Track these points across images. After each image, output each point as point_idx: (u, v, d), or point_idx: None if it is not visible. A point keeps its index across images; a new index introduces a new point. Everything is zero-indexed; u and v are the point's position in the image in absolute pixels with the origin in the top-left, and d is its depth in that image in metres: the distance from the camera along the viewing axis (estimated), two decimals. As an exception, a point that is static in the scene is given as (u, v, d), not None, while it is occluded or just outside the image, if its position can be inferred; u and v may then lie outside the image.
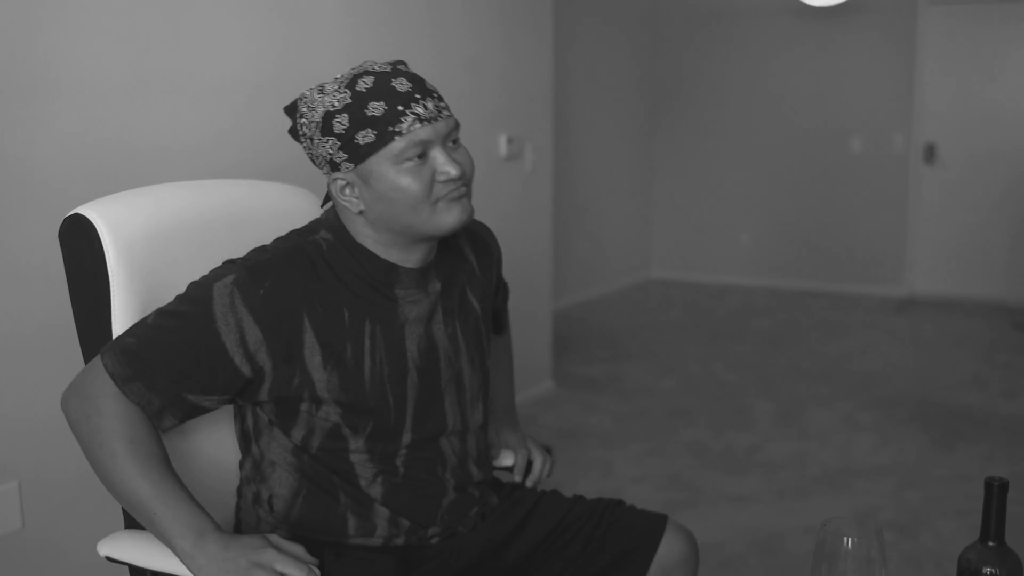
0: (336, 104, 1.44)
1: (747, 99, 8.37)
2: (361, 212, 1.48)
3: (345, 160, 1.45)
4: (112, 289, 1.53)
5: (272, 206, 1.81)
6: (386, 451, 1.54)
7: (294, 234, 1.54)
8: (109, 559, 1.51)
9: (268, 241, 1.60)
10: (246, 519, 1.62)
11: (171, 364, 1.41)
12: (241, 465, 1.63)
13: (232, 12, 3.04)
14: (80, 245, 1.54)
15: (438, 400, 1.58)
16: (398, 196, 1.44)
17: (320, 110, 1.45)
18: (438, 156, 1.45)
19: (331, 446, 1.52)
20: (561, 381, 5.32)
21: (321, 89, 1.48)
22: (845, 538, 1.25)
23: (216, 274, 1.45)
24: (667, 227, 8.69)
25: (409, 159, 1.43)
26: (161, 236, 1.60)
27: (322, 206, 1.66)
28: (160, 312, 1.44)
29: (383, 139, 1.42)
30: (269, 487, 1.56)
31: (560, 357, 5.82)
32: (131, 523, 1.59)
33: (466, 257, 1.70)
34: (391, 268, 1.53)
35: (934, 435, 4.45)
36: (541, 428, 4.54)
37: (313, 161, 1.52)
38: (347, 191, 1.48)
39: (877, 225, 8.05)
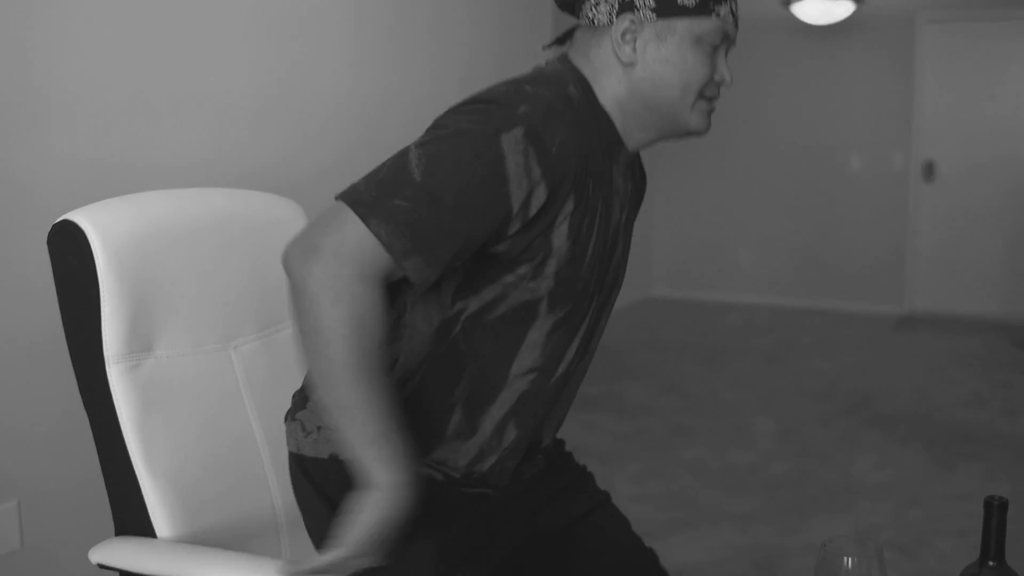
0: None
1: (746, 117, 8.39)
2: (631, 65, 1.37)
3: (650, 8, 1.34)
4: (102, 294, 1.53)
5: (259, 215, 1.82)
6: (560, 342, 1.42)
7: (542, 80, 1.35)
8: (101, 566, 1.51)
9: (255, 251, 1.57)
10: None
11: (456, 235, 1.23)
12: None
13: (236, 31, 3.06)
14: (69, 250, 1.54)
15: (601, 304, 1.47)
16: (680, 69, 1.36)
17: None
18: (722, 60, 1.40)
19: (516, 317, 1.37)
20: (561, 399, 5.31)
21: None
22: (845, 557, 1.25)
23: (497, 118, 1.26)
24: (667, 245, 8.70)
25: (709, 43, 1.36)
26: (150, 240, 1.60)
27: (546, 47, 1.51)
28: (429, 165, 1.23)
29: (701, 9, 1.34)
30: (396, 349, 1.39)
31: (560, 375, 5.81)
32: (122, 530, 1.59)
33: (639, 185, 1.59)
34: (618, 143, 1.42)
35: (935, 454, 4.45)
36: (541, 446, 4.53)
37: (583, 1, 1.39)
38: (627, 37, 1.35)
39: (876, 242, 8.06)
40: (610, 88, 1.39)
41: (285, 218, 1.86)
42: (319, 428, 1.43)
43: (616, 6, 1.35)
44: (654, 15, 1.34)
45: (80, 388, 1.58)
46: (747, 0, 8.23)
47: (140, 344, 1.57)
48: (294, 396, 1.51)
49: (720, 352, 6.57)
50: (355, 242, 1.20)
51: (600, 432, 4.78)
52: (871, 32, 7.90)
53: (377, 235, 1.20)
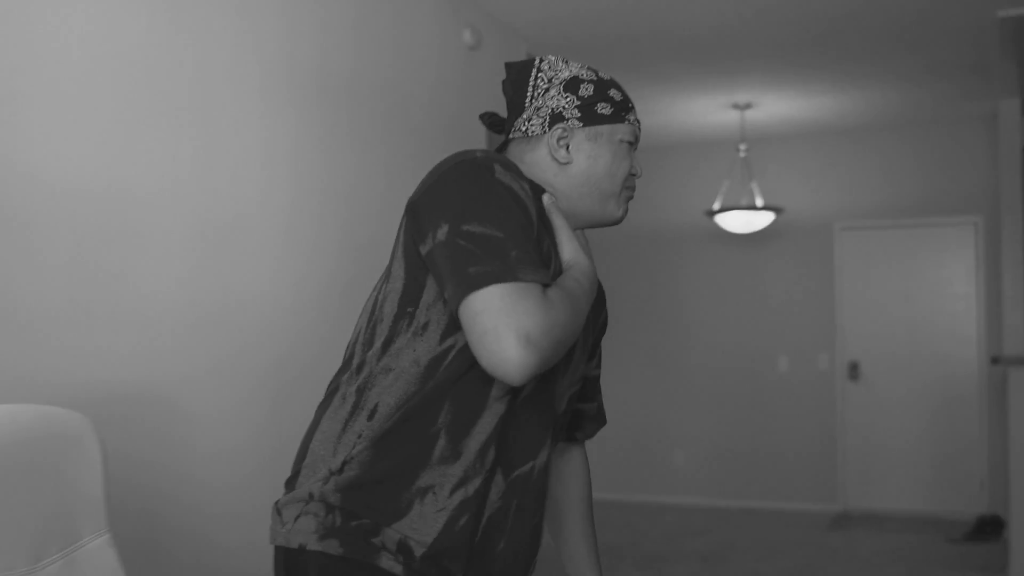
0: (584, 76, 1.70)
1: (676, 321, 8.61)
2: (567, 163, 1.68)
3: (576, 118, 1.67)
4: None
5: (39, 431, 1.78)
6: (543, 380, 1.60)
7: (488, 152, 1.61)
8: None
9: (54, 470, 1.59)
10: (330, 428, 1.58)
11: (533, 252, 1.46)
12: (345, 371, 1.60)
13: (169, 245, 3.12)
14: None
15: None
16: (608, 163, 1.69)
17: (567, 73, 1.70)
18: (634, 157, 1.74)
19: None
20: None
21: (565, 60, 1.72)
22: None
23: (474, 166, 1.50)
24: (601, 447, 8.72)
25: (625, 143, 1.71)
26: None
27: (499, 150, 1.77)
28: (484, 223, 1.44)
29: (617, 118, 1.70)
30: (376, 395, 1.53)
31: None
32: None
33: None
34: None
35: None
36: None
37: (516, 110, 1.71)
38: (561, 142, 1.68)
39: (808, 441, 8.17)
40: (546, 180, 1.69)
41: (69, 433, 1.82)
42: (296, 518, 1.52)
43: (548, 119, 1.68)
44: (580, 124, 1.67)
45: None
46: (675, 211, 8.61)
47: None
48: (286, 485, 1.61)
49: (656, 555, 6.50)
50: (527, 298, 1.39)
51: (537, 641, 4.65)
52: (792, 239, 8.26)
53: (530, 281, 1.40)
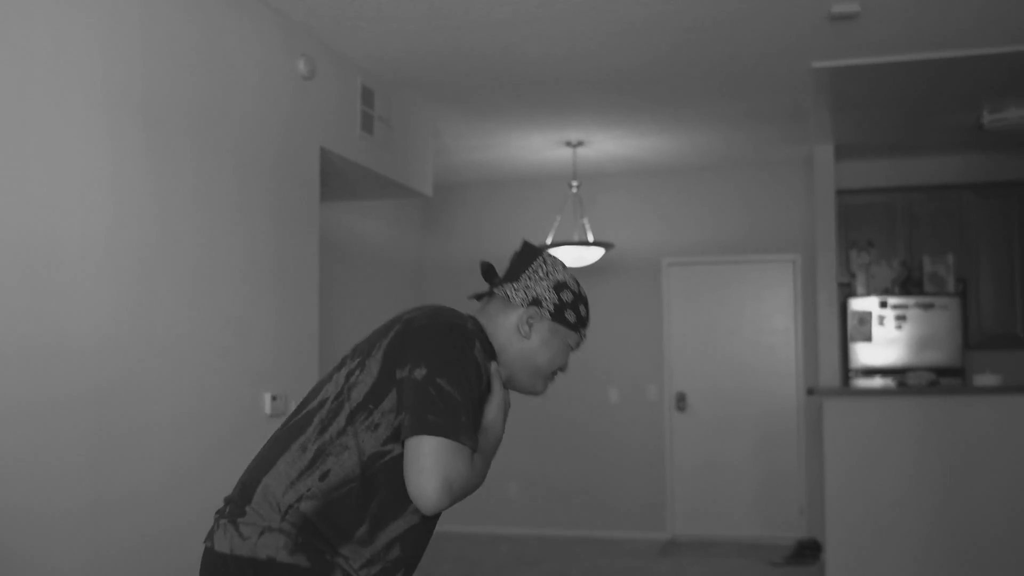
0: (570, 286, 2.13)
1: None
2: (525, 337, 2.08)
3: (549, 311, 2.09)
4: None
5: None
6: None
7: (472, 328, 2.03)
8: None
9: None
10: (286, 471, 1.90)
11: (475, 418, 1.93)
12: (308, 426, 1.94)
13: None
14: None
15: None
16: (552, 353, 2.12)
17: (560, 277, 2.12)
18: (569, 358, 2.18)
19: None
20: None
21: (564, 266, 2.14)
22: None
23: (463, 337, 1.95)
24: (437, 479, 8.71)
25: (568, 345, 2.14)
26: None
27: (470, 297, 2.24)
28: (452, 384, 1.87)
29: (574, 328, 2.13)
30: (331, 463, 1.87)
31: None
32: None
33: None
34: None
35: None
36: None
37: (511, 277, 2.11)
38: (527, 323, 2.08)
39: (637, 471, 8.37)
40: (504, 340, 2.09)
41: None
42: (260, 535, 1.85)
43: (529, 299, 2.09)
44: (550, 317, 2.09)
45: None
46: (509, 245, 8.71)
47: None
48: (227, 503, 1.95)
49: (491, 586, 6.53)
50: (459, 455, 1.85)
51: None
52: (622, 274, 8.49)
53: (469, 446, 1.87)
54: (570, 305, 2.11)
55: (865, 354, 7.21)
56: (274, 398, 4.52)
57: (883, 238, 7.51)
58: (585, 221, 8.06)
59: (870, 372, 7.17)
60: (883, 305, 7.19)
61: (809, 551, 7.41)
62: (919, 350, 7.13)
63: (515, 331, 2.09)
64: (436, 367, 1.87)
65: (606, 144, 7.46)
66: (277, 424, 4.53)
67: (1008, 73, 5.47)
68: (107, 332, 3.51)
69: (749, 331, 8.27)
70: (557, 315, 2.10)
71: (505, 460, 8.63)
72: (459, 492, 1.85)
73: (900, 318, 7.16)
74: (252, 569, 1.84)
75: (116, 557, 3.52)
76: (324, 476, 1.86)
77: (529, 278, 2.11)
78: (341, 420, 1.89)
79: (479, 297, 2.18)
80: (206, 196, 4.09)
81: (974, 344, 7.33)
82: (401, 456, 1.86)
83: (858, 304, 7.24)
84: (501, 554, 7.73)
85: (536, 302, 2.09)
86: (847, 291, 7.43)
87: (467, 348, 1.93)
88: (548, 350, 2.11)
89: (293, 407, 4.66)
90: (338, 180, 5.77)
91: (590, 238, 7.71)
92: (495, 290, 2.13)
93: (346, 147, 5.33)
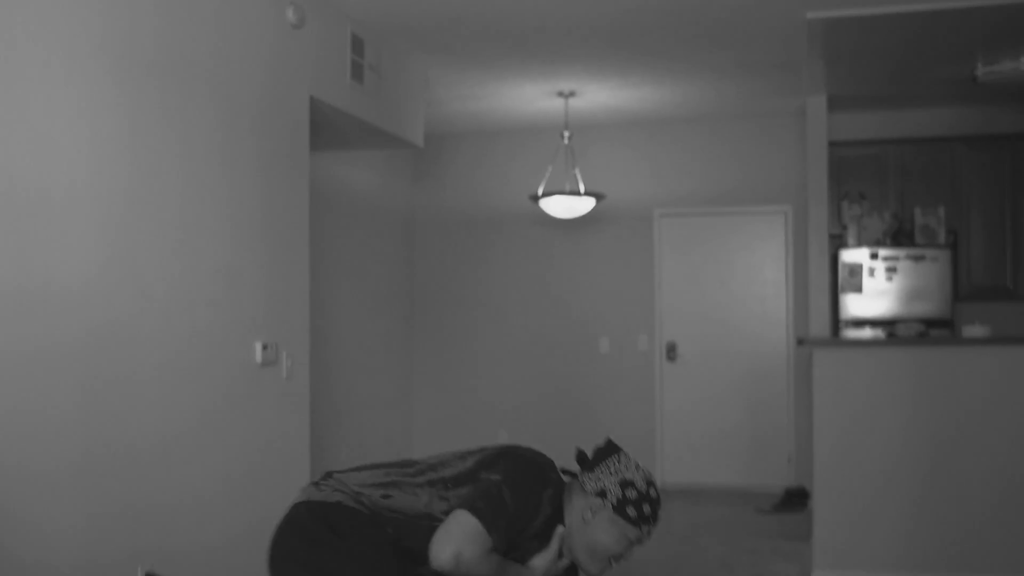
0: (638, 484, 2.45)
1: (501, 304, 8.73)
2: (587, 522, 2.43)
3: (612, 504, 2.42)
4: None
5: None
6: None
7: (549, 482, 2.53)
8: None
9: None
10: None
11: (506, 528, 2.38)
12: (411, 466, 2.55)
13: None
14: None
15: None
16: (605, 539, 2.44)
17: (629, 475, 2.46)
18: (628, 551, 2.48)
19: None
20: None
21: (637, 466, 2.48)
22: None
23: (542, 477, 2.49)
24: (429, 425, 8.78)
25: (627, 539, 2.44)
26: None
27: (564, 472, 2.61)
28: (512, 498, 2.39)
29: (635, 523, 2.43)
30: (395, 499, 2.43)
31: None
32: None
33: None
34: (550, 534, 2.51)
35: (686, 624, 4.60)
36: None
37: (588, 467, 2.52)
38: (591, 510, 2.43)
39: (628, 420, 8.44)
40: (570, 520, 2.47)
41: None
42: (333, 491, 2.46)
43: (597, 490, 2.44)
44: (612, 509, 2.42)
45: None
46: (500, 196, 8.72)
47: None
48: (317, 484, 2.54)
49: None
50: (482, 542, 2.31)
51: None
52: (613, 225, 8.49)
53: (492, 538, 2.32)
54: (633, 502, 2.42)
55: (855, 305, 7.24)
56: (265, 347, 4.53)
57: (875, 190, 7.51)
58: (577, 172, 8.04)
59: (860, 323, 7.21)
60: (874, 256, 7.21)
61: (797, 499, 7.50)
62: (909, 301, 7.17)
63: (579, 514, 2.44)
64: (508, 480, 2.38)
65: (598, 95, 7.42)
66: (269, 373, 4.57)
67: (1002, 25, 5.44)
68: (93, 279, 3.49)
69: (740, 282, 8.30)
70: (619, 509, 2.42)
71: (495, 407, 8.70)
72: (463, 567, 2.25)
73: (891, 270, 7.19)
74: (322, 509, 2.42)
75: (110, 513, 3.53)
76: (385, 497, 2.41)
77: (602, 471, 2.47)
78: (421, 479, 2.45)
79: (567, 473, 2.57)
80: (192, 144, 4.07)
81: (964, 296, 7.37)
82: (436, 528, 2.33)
83: (849, 255, 7.26)
84: (492, 502, 7.79)
85: (602, 494, 2.43)
86: (838, 242, 7.44)
87: (539, 486, 2.42)
88: (607, 537, 2.42)
89: (284, 357, 4.69)
90: (328, 130, 5.74)
91: (582, 189, 7.70)
92: (580, 475, 2.51)
93: (336, 96, 5.30)
